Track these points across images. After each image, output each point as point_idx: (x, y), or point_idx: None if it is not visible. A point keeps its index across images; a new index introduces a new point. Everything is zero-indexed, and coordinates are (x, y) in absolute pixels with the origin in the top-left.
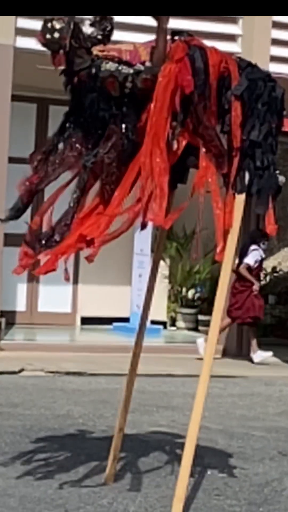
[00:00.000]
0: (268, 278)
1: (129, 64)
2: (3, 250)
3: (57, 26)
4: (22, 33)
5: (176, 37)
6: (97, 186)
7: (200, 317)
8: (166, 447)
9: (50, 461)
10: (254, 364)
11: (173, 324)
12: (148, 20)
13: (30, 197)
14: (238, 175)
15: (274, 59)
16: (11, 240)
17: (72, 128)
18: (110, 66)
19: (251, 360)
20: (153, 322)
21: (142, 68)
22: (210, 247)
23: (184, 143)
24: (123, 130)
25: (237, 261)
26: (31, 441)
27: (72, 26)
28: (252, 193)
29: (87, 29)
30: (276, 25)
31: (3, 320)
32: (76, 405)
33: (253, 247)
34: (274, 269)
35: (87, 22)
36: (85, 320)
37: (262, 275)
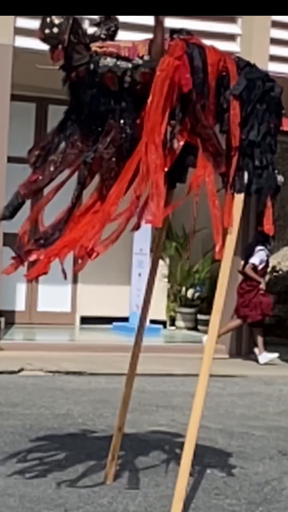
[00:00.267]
0: (267, 277)
1: (127, 59)
2: (2, 250)
3: (56, 21)
4: (22, 33)
5: (175, 35)
6: (94, 183)
7: (200, 317)
8: (166, 447)
9: (49, 461)
10: (260, 365)
11: (172, 324)
12: (148, 20)
13: (30, 196)
14: (237, 174)
15: (274, 58)
16: (11, 240)
17: (72, 126)
18: (109, 61)
19: (256, 359)
20: (152, 322)
21: (140, 62)
22: (209, 247)
23: (182, 142)
24: (122, 125)
25: (242, 262)
26: (31, 440)
27: (71, 22)
28: (251, 193)
29: (89, 27)
30: (276, 24)
31: (2, 319)
32: (75, 405)
33: (259, 247)
34: (273, 268)
35: (86, 21)
36: (85, 320)
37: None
